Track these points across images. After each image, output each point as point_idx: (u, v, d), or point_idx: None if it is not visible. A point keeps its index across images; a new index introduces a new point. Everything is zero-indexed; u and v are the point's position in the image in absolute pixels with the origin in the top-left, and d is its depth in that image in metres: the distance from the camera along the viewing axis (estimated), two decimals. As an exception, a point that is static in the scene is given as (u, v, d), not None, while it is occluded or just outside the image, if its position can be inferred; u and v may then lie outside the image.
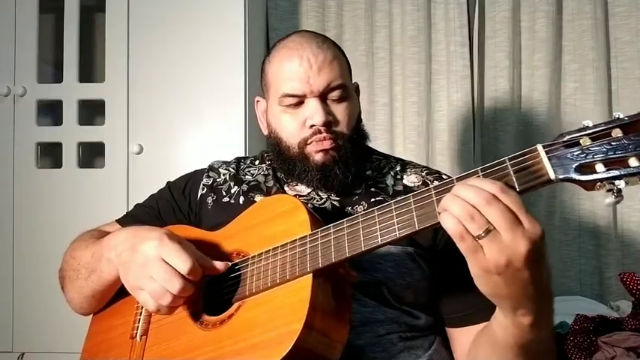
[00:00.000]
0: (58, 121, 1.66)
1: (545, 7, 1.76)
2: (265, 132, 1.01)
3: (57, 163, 1.66)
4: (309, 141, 0.90)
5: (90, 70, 1.83)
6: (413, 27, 1.83)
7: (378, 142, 1.81)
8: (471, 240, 0.57)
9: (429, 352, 0.87)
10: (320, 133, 0.89)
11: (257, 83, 1.69)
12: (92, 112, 1.76)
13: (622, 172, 0.54)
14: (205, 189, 1.02)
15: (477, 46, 1.83)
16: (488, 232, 0.56)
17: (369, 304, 0.83)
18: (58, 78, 1.69)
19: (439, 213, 0.61)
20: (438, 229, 0.68)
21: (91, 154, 1.76)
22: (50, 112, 1.73)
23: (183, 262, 0.73)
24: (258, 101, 1.04)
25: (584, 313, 1.34)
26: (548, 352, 0.72)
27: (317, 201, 0.94)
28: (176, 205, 1.03)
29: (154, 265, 0.73)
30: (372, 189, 0.95)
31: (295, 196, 0.96)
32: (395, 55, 1.86)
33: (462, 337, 0.86)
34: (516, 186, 0.59)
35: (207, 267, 0.77)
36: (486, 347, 0.75)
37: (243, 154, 1.58)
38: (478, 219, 0.57)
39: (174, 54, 1.61)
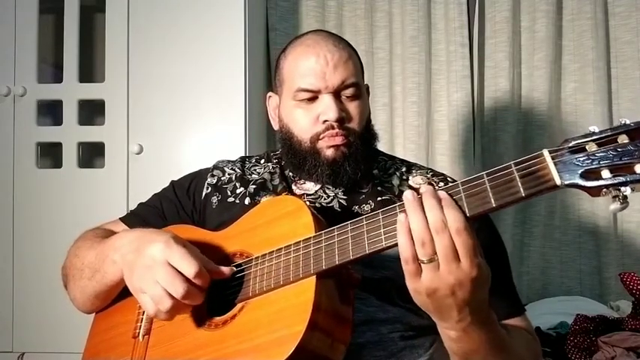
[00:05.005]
0: (58, 121, 1.66)
1: (545, 7, 1.76)
2: (276, 127, 1.02)
3: (57, 163, 1.66)
4: (322, 136, 0.91)
5: (90, 70, 1.83)
6: (413, 27, 1.83)
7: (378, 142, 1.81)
8: (415, 265, 0.63)
9: (429, 350, 0.87)
10: (332, 128, 0.90)
11: (257, 83, 1.72)
12: (92, 112, 1.76)
13: (628, 179, 0.54)
14: (210, 188, 1.02)
15: (477, 46, 1.84)
16: (431, 261, 0.62)
17: (373, 304, 0.83)
18: (58, 78, 1.69)
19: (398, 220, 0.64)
20: None
21: (91, 154, 1.76)
22: (50, 112, 1.73)
23: (189, 266, 0.72)
24: (270, 97, 1.05)
25: (584, 313, 1.34)
26: None
27: (324, 199, 0.95)
28: (180, 205, 1.02)
29: (159, 268, 0.73)
30: (379, 188, 0.95)
31: (303, 194, 0.96)
32: (395, 55, 1.87)
33: None
34: (521, 191, 0.59)
35: (212, 271, 0.77)
36: None
37: (243, 154, 1.58)
38: (428, 247, 0.62)
39: (174, 54, 1.61)
